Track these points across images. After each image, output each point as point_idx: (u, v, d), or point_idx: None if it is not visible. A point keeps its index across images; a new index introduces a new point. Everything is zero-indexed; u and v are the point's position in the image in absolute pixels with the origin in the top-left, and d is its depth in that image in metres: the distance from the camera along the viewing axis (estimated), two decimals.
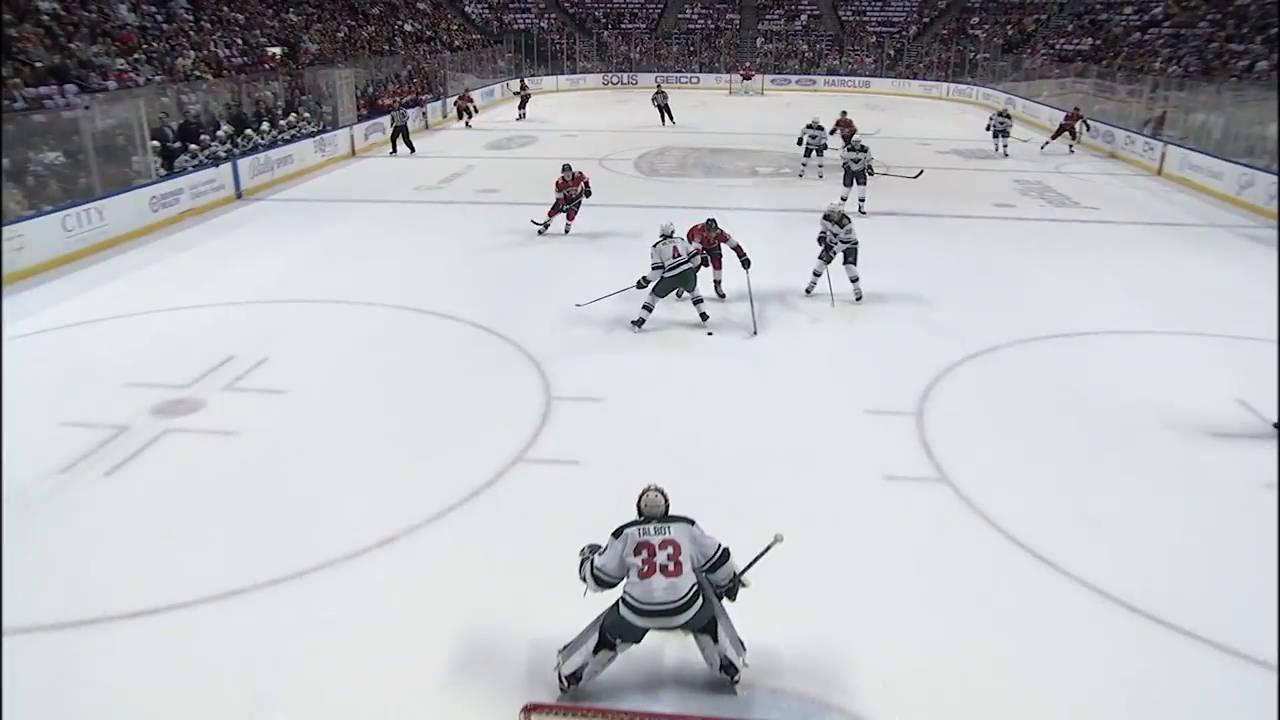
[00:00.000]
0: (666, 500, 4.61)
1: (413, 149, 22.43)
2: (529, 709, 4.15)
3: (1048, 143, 23.47)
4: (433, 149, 23.39)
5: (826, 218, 10.72)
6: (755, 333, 9.83)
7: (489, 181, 18.97)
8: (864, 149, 15.46)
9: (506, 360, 9.11)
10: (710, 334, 9.83)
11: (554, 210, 13.92)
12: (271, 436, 7.50)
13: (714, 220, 10.57)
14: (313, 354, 9.26)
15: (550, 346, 9.38)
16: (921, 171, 16.92)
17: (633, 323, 9.91)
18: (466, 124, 27.87)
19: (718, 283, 10.92)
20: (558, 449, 7.28)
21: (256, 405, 8.02)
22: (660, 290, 9.79)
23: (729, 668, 4.61)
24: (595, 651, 4.52)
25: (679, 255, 9.65)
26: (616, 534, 4.52)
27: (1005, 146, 22.70)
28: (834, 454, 7.27)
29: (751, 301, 10.12)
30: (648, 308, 9.85)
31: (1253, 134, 18.49)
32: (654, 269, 9.66)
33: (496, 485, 6.72)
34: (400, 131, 22.39)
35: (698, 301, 10.05)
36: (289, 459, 7.16)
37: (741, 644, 4.66)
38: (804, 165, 19.49)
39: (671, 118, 27.91)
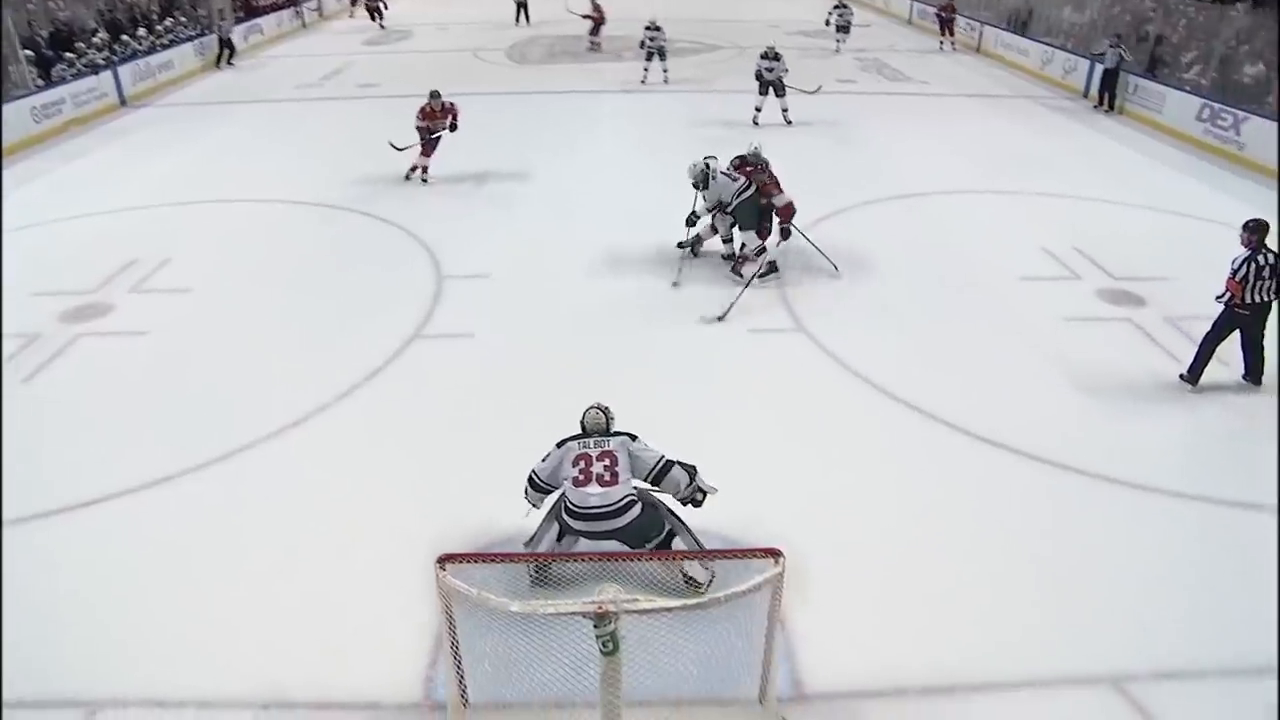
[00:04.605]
0: (609, 417, 4.75)
1: (234, 57, 20.79)
2: (442, 560, 4.01)
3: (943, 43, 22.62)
4: (312, 48, 23.33)
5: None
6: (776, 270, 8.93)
7: (369, 76, 19.23)
8: (777, 57, 14.46)
9: (398, 245, 9.65)
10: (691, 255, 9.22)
11: (425, 150, 11.69)
12: (182, 333, 7.83)
13: (760, 153, 9.01)
14: (213, 252, 9.56)
15: (439, 230, 9.94)
16: (820, 87, 16.18)
17: (679, 244, 9.21)
18: (380, 25, 26.56)
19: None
20: (452, 324, 7.91)
21: (164, 305, 8.35)
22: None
23: (691, 581, 4.73)
24: (560, 539, 4.76)
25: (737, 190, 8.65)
26: (560, 444, 4.69)
27: (843, 42, 21.81)
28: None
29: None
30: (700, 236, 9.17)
31: (1052, 16, 20.48)
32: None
33: (397, 361, 7.29)
34: (225, 44, 20.75)
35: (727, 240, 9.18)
36: (201, 353, 7.46)
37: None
38: (645, 71, 18.06)
39: (528, 18, 26.62)
